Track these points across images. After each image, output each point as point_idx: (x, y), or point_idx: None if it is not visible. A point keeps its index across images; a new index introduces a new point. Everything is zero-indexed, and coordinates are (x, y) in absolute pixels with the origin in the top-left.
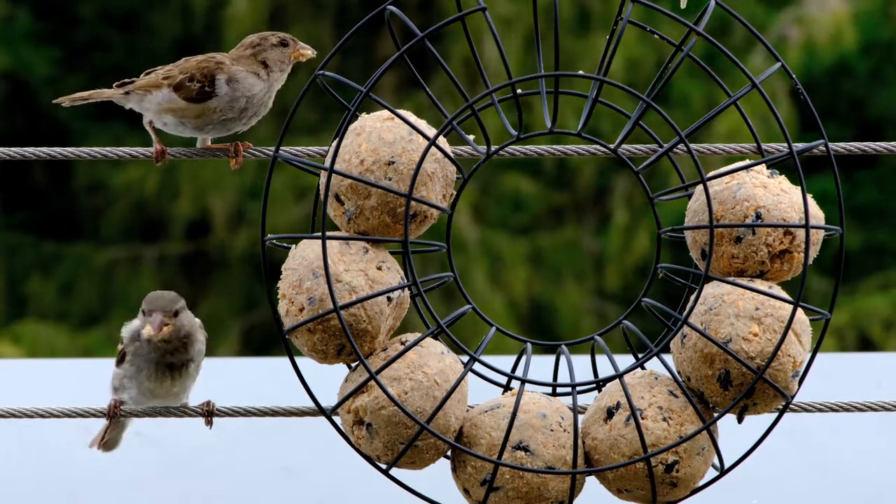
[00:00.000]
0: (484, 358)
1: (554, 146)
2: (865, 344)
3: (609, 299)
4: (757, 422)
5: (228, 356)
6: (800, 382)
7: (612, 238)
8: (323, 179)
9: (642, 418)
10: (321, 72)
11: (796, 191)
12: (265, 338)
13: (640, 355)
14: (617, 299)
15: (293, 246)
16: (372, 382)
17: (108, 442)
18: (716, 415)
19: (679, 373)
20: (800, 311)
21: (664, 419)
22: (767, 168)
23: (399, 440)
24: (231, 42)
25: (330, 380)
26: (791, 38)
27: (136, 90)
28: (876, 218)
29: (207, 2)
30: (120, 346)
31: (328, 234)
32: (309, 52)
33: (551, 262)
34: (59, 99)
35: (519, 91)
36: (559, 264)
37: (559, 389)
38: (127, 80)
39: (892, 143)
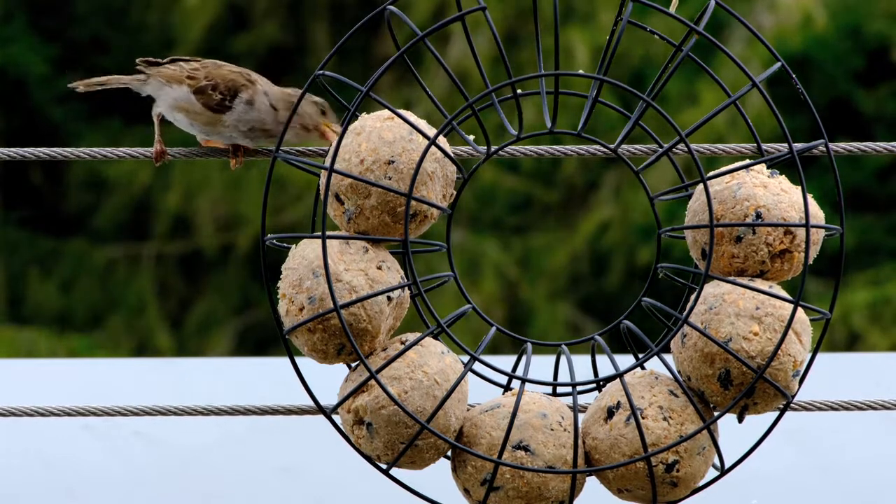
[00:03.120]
0: (484, 358)
1: (554, 146)
2: (853, 339)
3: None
4: (757, 422)
5: (223, 356)
6: (800, 382)
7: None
8: (323, 179)
9: (643, 418)
10: (321, 72)
11: (796, 190)
12: (261, 337)
13: (640, 355)
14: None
15: (293, 245)
16: (372, 382)
17: None
18: (716, 414)
19: (679, 372)
20: (800, 311)
21: (664, 419)
22: (767, 168)
23: (399, 440)
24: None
25: (330, 380)
26: (764, 27)
27: (159, 77)
28: (858, 212)
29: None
30: None
31: (328, 233)
32: (331, 135)
33: (530, 263)
34: (74, 83)
35: (519, 91)
36: (538, 264)
37: (559, 389)
38: (152, 59)
39: (892, 143)
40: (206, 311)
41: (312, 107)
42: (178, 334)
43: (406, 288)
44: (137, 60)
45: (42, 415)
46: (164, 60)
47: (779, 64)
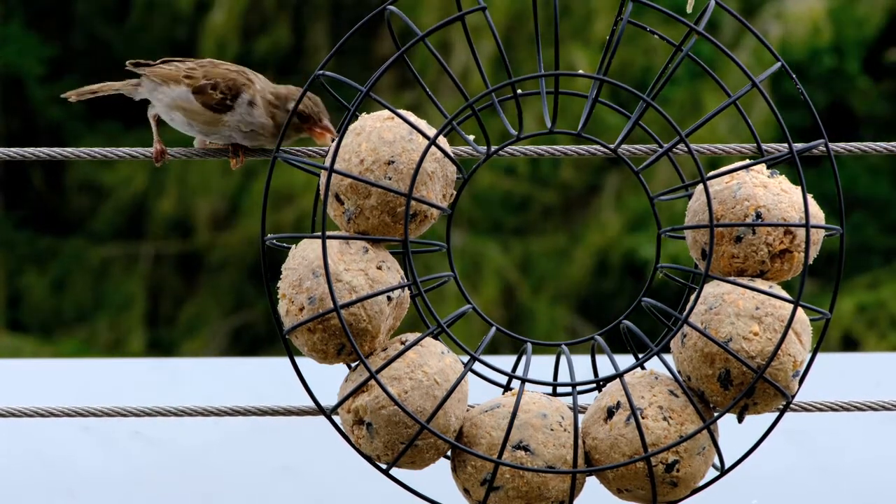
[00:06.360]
0: (484, 358)
1: (554, 146)
2: (848, 342)
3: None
4: (757, 422)
5: (215, 356)
6: (800, 382)
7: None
8: (323, 179)
9: (642, 418)
10: (321, 72)
11: (796, 190)
12: (253, 338)
13: (640, 355)
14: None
15: (293, 246)
16: (372, 382)
17: None
18: (716, 414)
19: (679, 372)
20: (800, 311)
21: (664, 419)
22: (767, 168)
23: (399, 440)
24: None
25: (330, 380)
26: (771, 34)
27: (153, 77)
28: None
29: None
30: None
31: (328, 233)
32: (328, 139)
33: (531, 266)
34: (67, 94)
35: (519, 91)
36: (539, 268)
37: (559, 389)
38: (143, 61)
39: (892, 143)
40: (197, 310)
41: (311, 105)
42: (168, 332)
43: (406, 288)
44: (127, 63)
45: (42, 415)
46: (156, 62)
47: (779, 64)
